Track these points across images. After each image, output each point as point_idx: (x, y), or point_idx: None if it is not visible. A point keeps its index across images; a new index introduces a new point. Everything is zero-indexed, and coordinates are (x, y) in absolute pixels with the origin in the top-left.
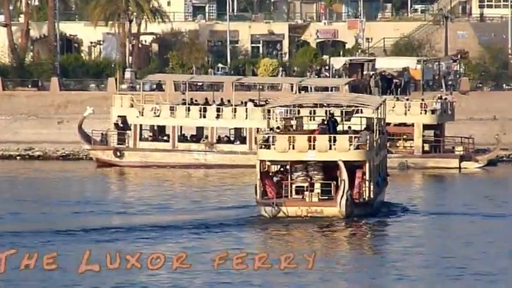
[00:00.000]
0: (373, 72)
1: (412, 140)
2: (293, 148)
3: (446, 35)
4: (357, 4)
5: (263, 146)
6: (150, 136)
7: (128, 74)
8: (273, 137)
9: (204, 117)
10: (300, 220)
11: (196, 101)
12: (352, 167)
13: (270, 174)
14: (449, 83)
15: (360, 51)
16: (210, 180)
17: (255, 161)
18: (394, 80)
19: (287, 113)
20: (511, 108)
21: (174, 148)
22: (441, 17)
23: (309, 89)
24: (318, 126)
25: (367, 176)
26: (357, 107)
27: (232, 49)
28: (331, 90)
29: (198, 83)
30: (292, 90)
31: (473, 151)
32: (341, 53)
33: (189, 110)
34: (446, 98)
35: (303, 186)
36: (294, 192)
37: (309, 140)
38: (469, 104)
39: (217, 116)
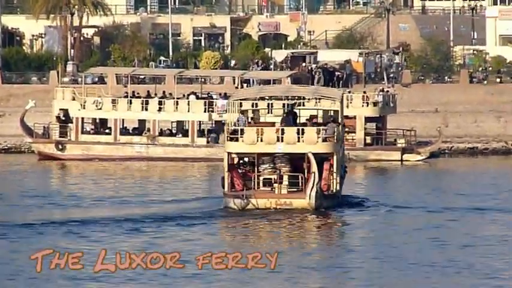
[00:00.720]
0: (316, 65)
1: (354, 132)
2: (261, 140)
3: (388, 27)
4: None
5: (231, 139)
6: (92, 129)
7: (69, 67)
8: (240, 129)
9: (146, 110)
10: (268, 212)
11: (138, 94)
12: (320, 159)
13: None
14: (391, 75)
15: (302, 44)
16: (161, 172)
17: (197, 154)
18: (336, 73)
19: (252, 106)
20: (452, 100)
21: (116, 141)
22: (383, 9)
23: (251, 81)
24: (282, 119)
25: (334, 168)
26: (322, 98)
27: (174, 42)
28: (274, 83)
29: (140, 76)
30: (234, 83)
31: (415, 144)
32: (283, 45)
33: (131, 103)
34: (388, 91)
35: (271, 179)
36: (261, 184)
37: (277, 132)
38: (411, 97)
39: (159, 109)
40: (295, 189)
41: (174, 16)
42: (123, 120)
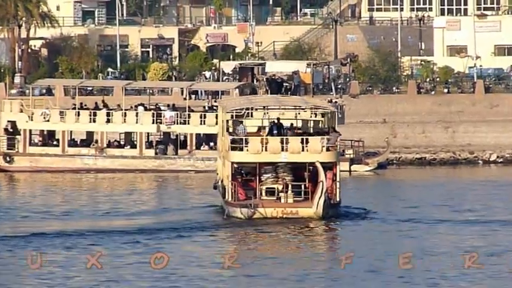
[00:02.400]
0: (263, 76)
1: None
2: (265, 150)
3: (335, 38)
4: (246, 8)
5: (234, 148)
6: (40, 141)
7: (17, 79)
8: (245, 139)
9: (94, 121)
10: (275, 222)
11: (86, 105)
12: (324, 168)
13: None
14: (339, 86)
15: (250, 55)
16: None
17: (146, 165)
18: (284, 84)
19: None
20: (400, 111)
21: (64, 153)
22: (330, 20)
23: (199, 93)
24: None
25: (337, 177)
26: (317, 109)
27: (122, 53)
28: (222, 94)
29: (88, 88)
30: (182, 94)
31: (363, 154)
32: (231, 57)
33: (79, 114)
34: (336, 101)
35: (274, 188)
36: (264, 193)
37: (282, 142)
38: (359, 107)
39: (107, 121)
40: (300, 198)
41: (122, 28)
42: (71, 132)
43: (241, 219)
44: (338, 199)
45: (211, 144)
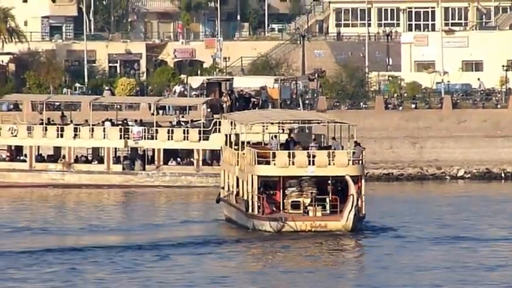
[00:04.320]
0: (230, 91)
1: None
2: (293, 164)
3: (303, 53)
4: (214, 23)
5: (260, 162)
6: (8, 156)
7: None
8: (272, 153)
9: (62, 137)
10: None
11: (53, 120)
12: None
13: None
14: (307, 101)
15: (217, 70)
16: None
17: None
18: (252, 99)
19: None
20: (368, 126)
21: (32, 168)
22: (298, 36)
23: (167, 108)
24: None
25: (362, 191)
26: (341, 123)
27: (89, 69)
28: (190, 109)
29: (56, 103)
30: (150, 109)
31: None
32: (199, 72)
33: (46, 130)
34: None
35: (299, 201)
36: (289, 207)
37: (308, 156)
38: None
39: (75, 136)
40: (326, 212)
41: (90, 43)
42: (38, 147)
43: (269, 232)
44: (364, 212)
45: (178, 159)
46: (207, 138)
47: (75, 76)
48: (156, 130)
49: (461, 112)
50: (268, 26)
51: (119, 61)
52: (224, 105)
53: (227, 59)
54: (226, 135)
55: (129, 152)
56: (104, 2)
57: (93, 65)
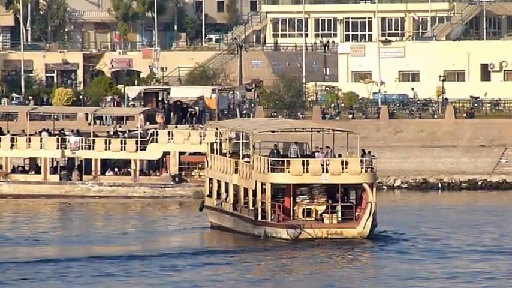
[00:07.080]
0: (166, 101)
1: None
2: (307, 171)
3: (240, 64)
4: (151, 33)
5: (275, 170)
6: None
7: None
8: (287, 161)
9: None
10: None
11: None
12: (360, 189)
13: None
14: (244, 111)
15: (154, 80)
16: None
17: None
18: (189, 109)
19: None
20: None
21: None
22: (235, 46)
23: (104, 118)
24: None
25: (374, 198)
26: (344, 132)
27: (26, 78)
28: (127, 120)
29: None
30: (87, 119)
31: None
32: (136, 82)
33: None
34: None
35: (311, 209)
36: (301, 214)
37: (322, 164)
38: (264, 133)
39: (12, 146)
40: (339, 219)
41: (26, 53)
42: None
43: (286, 239)
44: (377, 219)
45: (116, 170)
46: (144, 149)
47: (12, 86)
48: (93, 140)
49: (398, 122)
50: (205, 36)
51: (56, 71)
52: (157, 117)
53: (164, 69)
54: (211, 144)
55: (66, 162)
56: (41, 12)
57: (30, 75)
